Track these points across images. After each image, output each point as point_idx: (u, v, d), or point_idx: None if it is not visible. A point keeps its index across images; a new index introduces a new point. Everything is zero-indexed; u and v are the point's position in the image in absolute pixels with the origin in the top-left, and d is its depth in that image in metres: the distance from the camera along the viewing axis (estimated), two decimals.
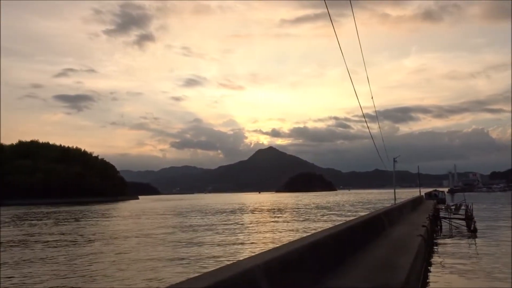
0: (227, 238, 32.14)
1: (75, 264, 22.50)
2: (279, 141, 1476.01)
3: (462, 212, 42.40)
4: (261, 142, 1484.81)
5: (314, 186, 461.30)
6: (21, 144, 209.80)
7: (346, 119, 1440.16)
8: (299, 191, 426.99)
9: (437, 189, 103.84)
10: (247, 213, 71.68)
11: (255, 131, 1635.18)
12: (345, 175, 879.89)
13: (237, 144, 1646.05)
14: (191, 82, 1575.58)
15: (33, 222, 57.92)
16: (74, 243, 31.73)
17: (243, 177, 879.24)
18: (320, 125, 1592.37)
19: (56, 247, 29.62)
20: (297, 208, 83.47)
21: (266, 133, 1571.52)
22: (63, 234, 39.33)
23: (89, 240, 33.41)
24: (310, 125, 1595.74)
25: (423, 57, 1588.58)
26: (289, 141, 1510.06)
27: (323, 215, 60.11)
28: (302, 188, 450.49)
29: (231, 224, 46.98)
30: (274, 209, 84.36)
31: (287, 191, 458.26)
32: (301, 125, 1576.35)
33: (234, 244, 28.24)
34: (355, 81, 16.77)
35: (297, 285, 6.03)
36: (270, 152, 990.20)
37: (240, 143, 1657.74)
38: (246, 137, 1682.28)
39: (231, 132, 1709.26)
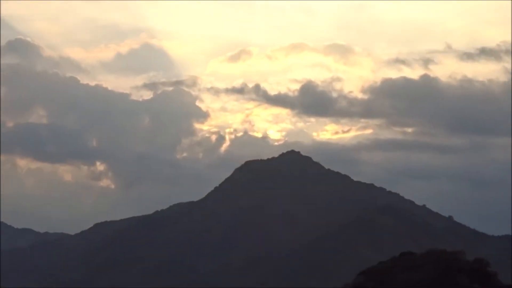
0: None
1: None
2: (324, 132, 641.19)
3: None
4: (256, 135, 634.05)
5: None
6: None
7: None
8: None
9: None
10: None
11: (235, 91, 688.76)
12: None
13: (172, 140, 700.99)
14: None
15: None
16: None
17: (186, 264, 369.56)
18: (486, 69, 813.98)
19: None
20: None
21: (276, 101, 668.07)
22: None
23: None
24: (441, 72, 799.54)
25: None
26: (362, 133, 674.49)
27: None
28: None
29: None
30: None
31: None
32: (412, 74, 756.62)
33: None
34: None
35: None
36: (290, 170, 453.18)
37: (182, 135, 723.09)
38: (204, 118, 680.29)
39: (148, 95, 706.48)
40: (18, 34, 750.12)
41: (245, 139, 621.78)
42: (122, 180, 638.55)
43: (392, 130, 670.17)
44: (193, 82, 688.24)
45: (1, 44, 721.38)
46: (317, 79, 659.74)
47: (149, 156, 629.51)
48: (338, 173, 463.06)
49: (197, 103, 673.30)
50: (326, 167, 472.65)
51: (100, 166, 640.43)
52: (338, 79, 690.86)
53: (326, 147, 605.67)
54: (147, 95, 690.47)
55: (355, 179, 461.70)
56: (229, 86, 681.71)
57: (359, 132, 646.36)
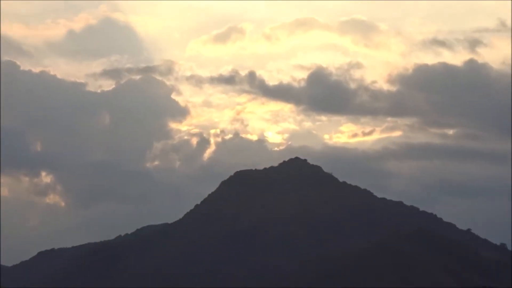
0: None
1: None
2: (339, 135, 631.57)
3: None
4: (249, 137, 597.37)
5: None
6: None
7: None
8: None
9: None
10: None
11: (223, 80, 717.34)
12: None
13: (140, 144, 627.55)
14: None
15: None
16: None
17: None
18: None
19: None
20: None
21: (276, 93, 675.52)
22: None
23: None
24: (492, 56, 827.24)
25: None
26: (389, 135, 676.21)
27: None
28: None
29: None
30: None
31: None
32: (454, 59, 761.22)
33: None
34: None
35: None
36: (294, 182, 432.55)
37: (153, 138, 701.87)
38: (183, 115, 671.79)
39: (109, 85, 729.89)
40: None
41: (235, 143, 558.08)
42: (75, 196, 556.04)
43: (428, 132, 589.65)
44: (168, 69, 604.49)
45: None
46: (330, 66, 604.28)
47: (110, 165, 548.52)
48: (356, 187, 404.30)
49: (173, 96, 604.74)
50: (341, 179, 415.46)
51: (46, 178, 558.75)
52: (358, 66, 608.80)
53: (341, 154, 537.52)
54: (108, 85, 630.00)
55: (379, 195, 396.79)
56: (215, 74, 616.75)
57: (384, 135, 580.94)
